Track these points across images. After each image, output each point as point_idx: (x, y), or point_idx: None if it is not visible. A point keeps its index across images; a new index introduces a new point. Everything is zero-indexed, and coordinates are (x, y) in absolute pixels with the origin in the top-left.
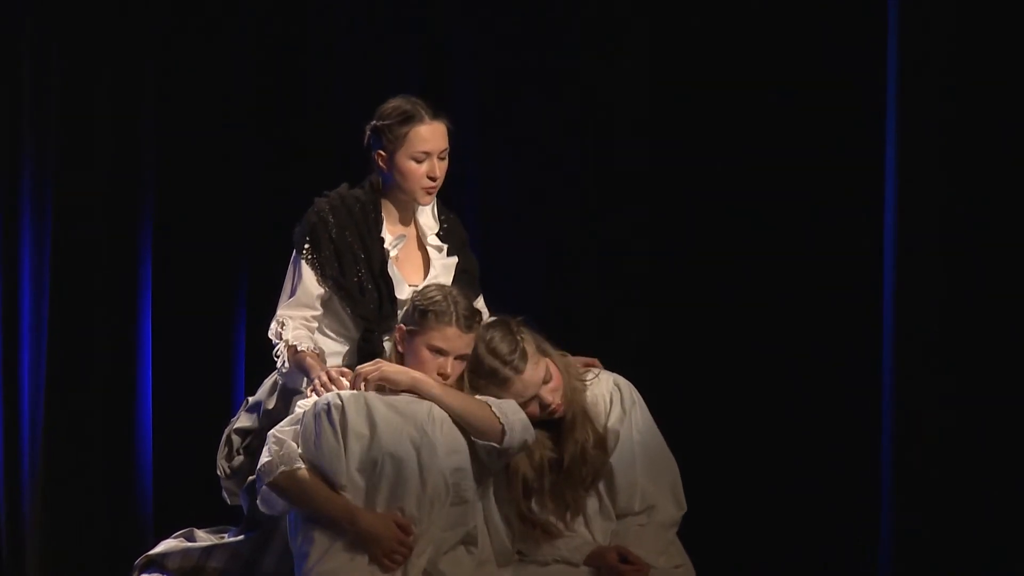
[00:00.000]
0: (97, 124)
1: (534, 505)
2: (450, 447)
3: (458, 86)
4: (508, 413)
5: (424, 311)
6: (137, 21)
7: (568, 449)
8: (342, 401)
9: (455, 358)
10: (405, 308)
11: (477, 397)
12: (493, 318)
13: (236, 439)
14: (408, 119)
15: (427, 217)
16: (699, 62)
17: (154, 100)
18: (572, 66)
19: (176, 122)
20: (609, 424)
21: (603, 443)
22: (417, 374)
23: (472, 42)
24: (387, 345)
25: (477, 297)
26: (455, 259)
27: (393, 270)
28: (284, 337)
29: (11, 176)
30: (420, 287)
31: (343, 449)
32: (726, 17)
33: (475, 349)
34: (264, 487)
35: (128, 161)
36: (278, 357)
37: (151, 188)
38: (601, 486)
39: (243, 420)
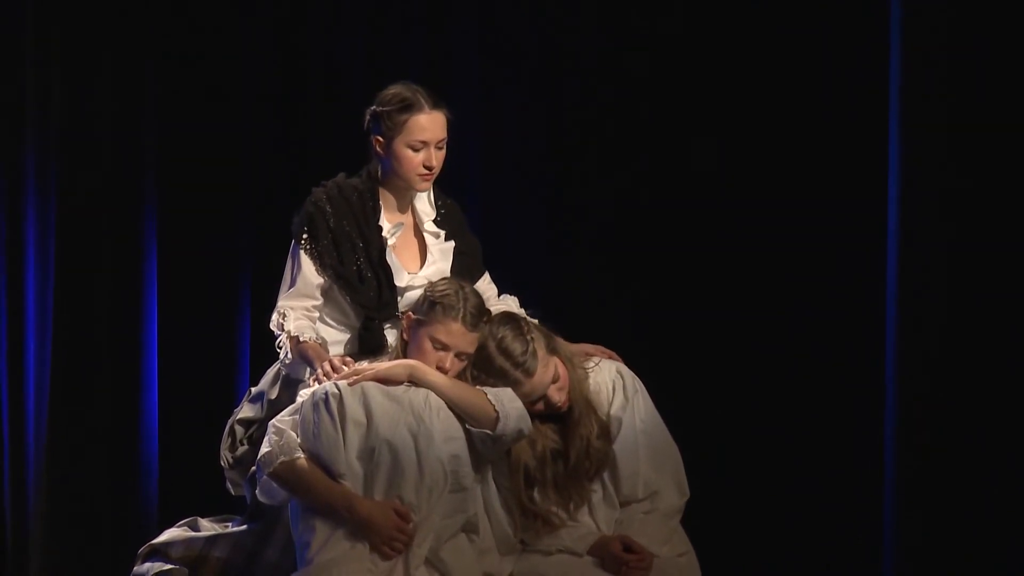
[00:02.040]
0: (99, 119)
1: (536, 495)
2: (447, 434)
3: (459, 80)
4: (504, 401)
5: (433, 303)
6: (137, 17)
7: (574, 445)
8: (339, 390)
9: (455, 355)
10: (418, 297)
11: (476, 387)
12: (502, 312)
13: (239, 429)
14: (408, 107)
15: (424, 204)
16: (703, 55)
17: (155, 94)
18: (574, 64)
19: (178, 115)
20: (612, 412)
21: (606, 432)
22: (412, 362)
23: (475, 32)
24: (389, 334)
25: (482, 276)
26: (452, 243)
27: (391, 258)
28: (286, 328)
29: (14, 171)
30: (420, 274)
31: (341, 438)
32: (729, 12)
33: (485, 346)
34: (264, 477)
35: (131, 155)
36: (280, 348)
37: (154, 182)
38: (605, 474)
39: (246, 411)
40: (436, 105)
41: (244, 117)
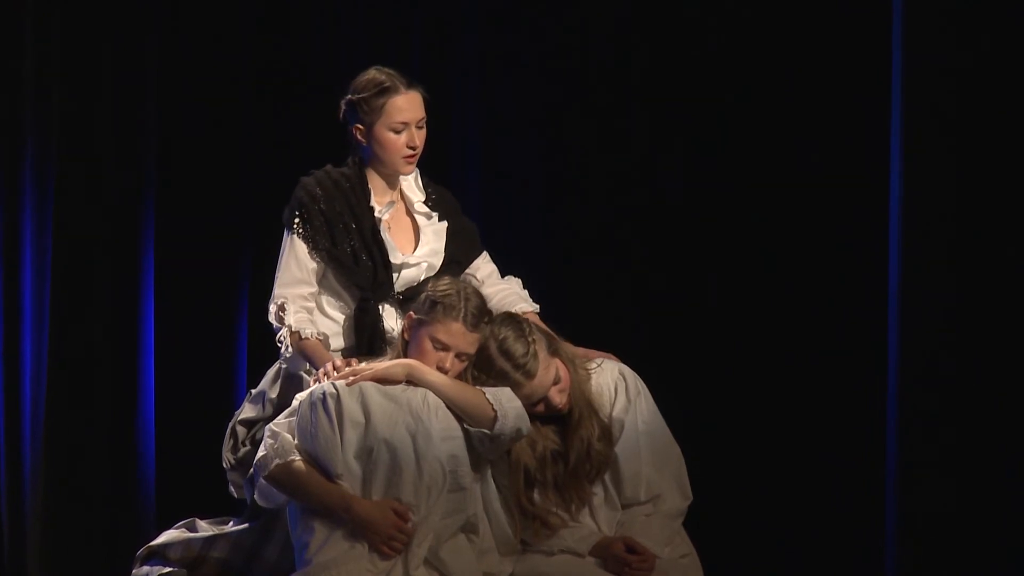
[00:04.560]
0: (99, 113)
1: (536, 496)
2: (445, 434)
3: (459, 78)
4: (502, 400)
5: (434, 302)
6: (137, 11)
7: (574, 446)
8: (337, 390)
9: (456, 355)
10: (419, 297)
11: (475, 387)
12: (504, 313)
13: (241, 430)
14: (384, 91)
15: (412, 188)
16: (705, 56)
17: (155, 90)
18: (574, 63)
19: (177, 111)
20: (614, 414)
21: (608, 435)
22: (410, 362)
23: (476, 29)
24: (386, 317)
25: (480, 255)
26: (445, 223)
27: (385, 235)
28: (287, 322)
29: (13, 166)
30: (415, 254)
31: (339, 437)
32: (733, 12)
33: (486, 347)
34: (261, 481)
35: (129, 151)
36: (281, 343)
37: (153, 179)
38: (606, 476)
39: (247, 411)
40: (411, 85)
41: (244, 119)
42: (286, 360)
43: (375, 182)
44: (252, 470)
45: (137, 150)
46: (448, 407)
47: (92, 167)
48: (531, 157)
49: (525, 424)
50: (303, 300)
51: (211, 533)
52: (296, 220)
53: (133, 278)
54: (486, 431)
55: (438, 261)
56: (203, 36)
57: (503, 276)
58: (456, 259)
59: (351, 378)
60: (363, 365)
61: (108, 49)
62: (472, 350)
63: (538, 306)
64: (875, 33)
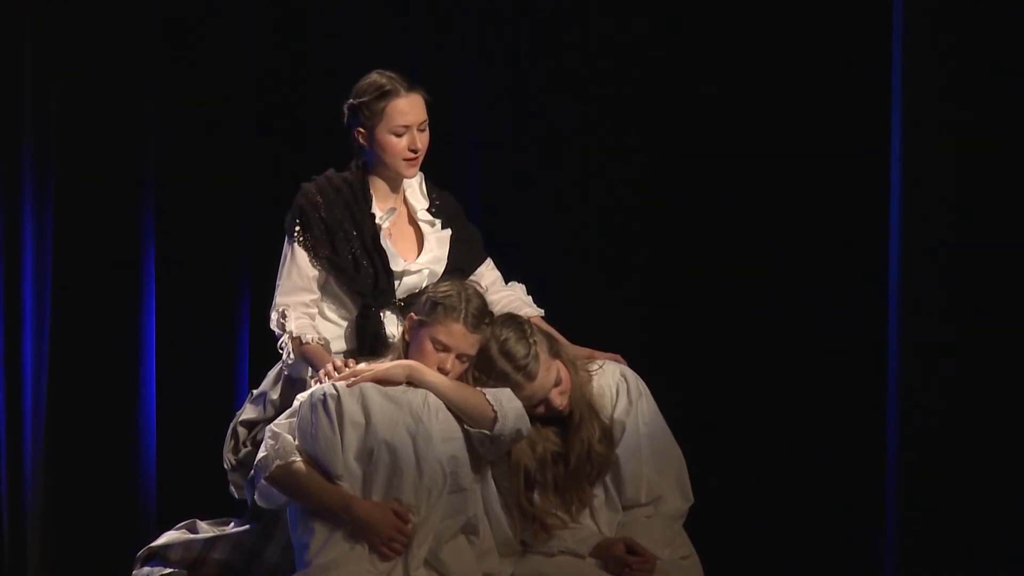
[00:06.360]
0: (99, 113)
1: (536, 497)
2: (445, 435)
3: (459, 78)
4: (502, 401)
5: (435, 303)
6: (136, 11)
7: (575, 448)
8: (337, 391)
9: (456, 356)
10: (418, 289)
11: (476, 388)
12: (505, 314)
13: (242, 431)
14: (385, 94)
15: (415, 194)
16: (703, 52)
17: (155, 90)
18: (573, 64)
19: (177, 111)
20: (615, 415)
21: (609, 437)
22: (410, 363)
23: (476, 30)
24: (388, 323)
25: (483, 262)
26: (448, 231)
27: (386, 243)
28: (288, 328)
29: (13, 166)
30: (417, 261)
31: (339, 439)
32: (732, 12)
33: (487, 349)
34: (262, 482)
35: (129, 152)
36: (283, 349)
37: (153, 180)
38: (607, 478)
39: (248, 412)
40: (412, 88)
41: (244, 118)
42: (288, 366)
43: (377, 187)
44: (253, 471)
45: (137, 150)
46: (448, 408)
47: (92, 167)
48: (532, 159)
49: (525, 425)
50: (304, 307)
51: (212, 534)
52: (297, 228)
53: (133, 278)
54: (486, 432)
55: (440, 268)
56: (203, 37)
57: (506, 280)
58: (459, 266)
59: (351, 379)
60: (363, 366)
61: (108, 49)
62: (473, 351)
63: (542, 311)
64: (875, 31)
